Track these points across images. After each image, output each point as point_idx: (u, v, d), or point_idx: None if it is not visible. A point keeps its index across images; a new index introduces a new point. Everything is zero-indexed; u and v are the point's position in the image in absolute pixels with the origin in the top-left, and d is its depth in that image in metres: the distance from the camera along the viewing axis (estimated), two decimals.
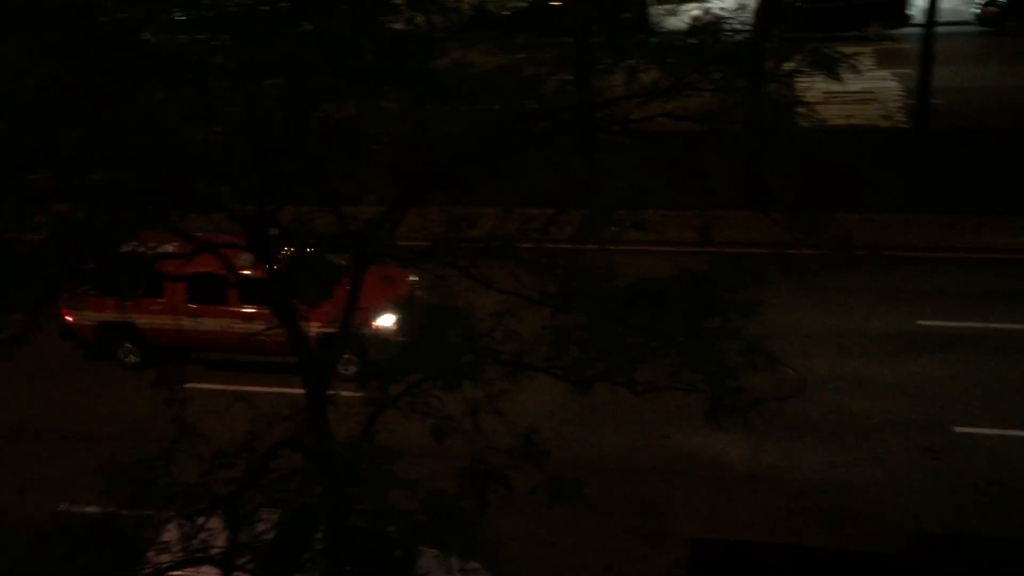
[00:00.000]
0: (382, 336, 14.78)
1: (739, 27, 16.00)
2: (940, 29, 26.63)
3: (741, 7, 19.14)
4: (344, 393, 8.66)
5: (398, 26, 9.47)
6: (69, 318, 16.42)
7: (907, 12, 30.74)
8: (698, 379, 10.32)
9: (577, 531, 11.76)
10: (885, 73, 27.79)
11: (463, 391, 8.56)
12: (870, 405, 14.02)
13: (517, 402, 13.28)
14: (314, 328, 14.59)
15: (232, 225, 8.35)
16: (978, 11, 31.83)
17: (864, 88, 26.73)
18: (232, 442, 7.97)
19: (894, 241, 18.16)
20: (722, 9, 22.95)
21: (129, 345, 16.52)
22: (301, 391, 8.50)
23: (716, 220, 13.29)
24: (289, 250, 14.31)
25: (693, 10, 25.38)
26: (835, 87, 25.63)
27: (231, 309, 15.82)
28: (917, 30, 25.48)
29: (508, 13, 24.33)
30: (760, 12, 19.55)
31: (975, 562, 9.40)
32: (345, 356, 14.64)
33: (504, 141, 9.06)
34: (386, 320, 15.05)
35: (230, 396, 9.69)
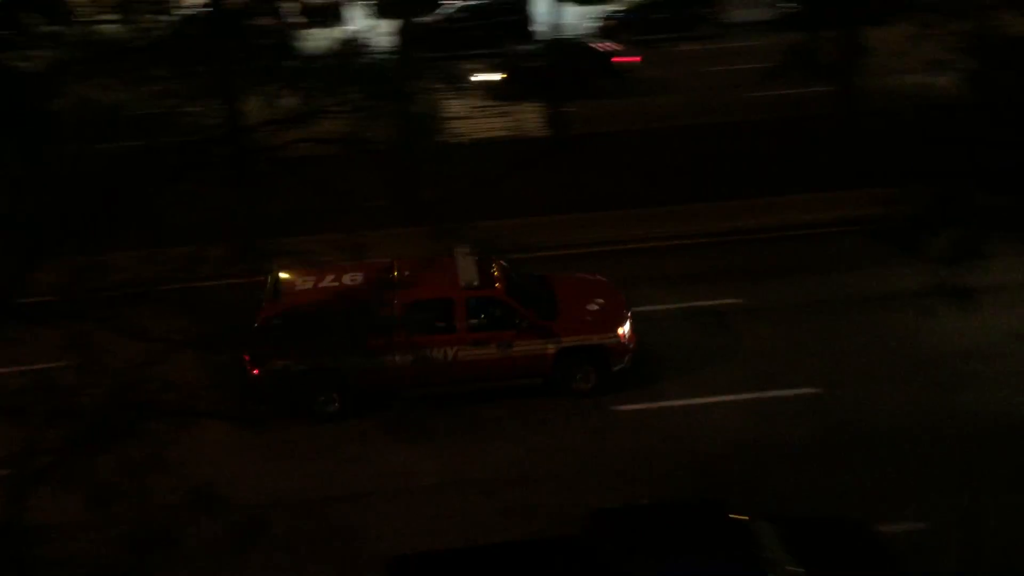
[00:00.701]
0: (625, 344, 14.74)
1: (378, 49, 16.33)
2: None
3: (371, 28, 19.46)
4: None
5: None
6: (254, 371, 13.47)
7: (531, 29, 33.03)
8: (378, 398, 10.36)
9: (271, 572, 11.36)
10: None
11: (125, 450, 7.98)
12: (538, 400, 14.74)
13: (192, 450, 12.61)
14: (551, 346, 14.36)
15: None
16: (600, 24, 34.94)
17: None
18: None
19: (548, 241, 19.37)
20: (363, 31, 23.30)
21: (330, 392, 14.21)
22: None
23: (371, 239, 13.49)
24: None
25: (337, 33, 25.58)
26: (481, 101, 27.00)
27: (458, 336, 14.20)
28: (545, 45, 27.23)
29: (146, 44, 23.19)
30: (402, 33, 20.08)
31: (646, 528, 10.23)
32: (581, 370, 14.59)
33: (140, 179, 8.57)
34: (624, 328, 14.80)
35: None
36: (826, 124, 23.47)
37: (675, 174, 22.33)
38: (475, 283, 14.22)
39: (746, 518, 10.23)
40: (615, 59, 28.81)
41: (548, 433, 14.01)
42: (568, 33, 28.54)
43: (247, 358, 13.50)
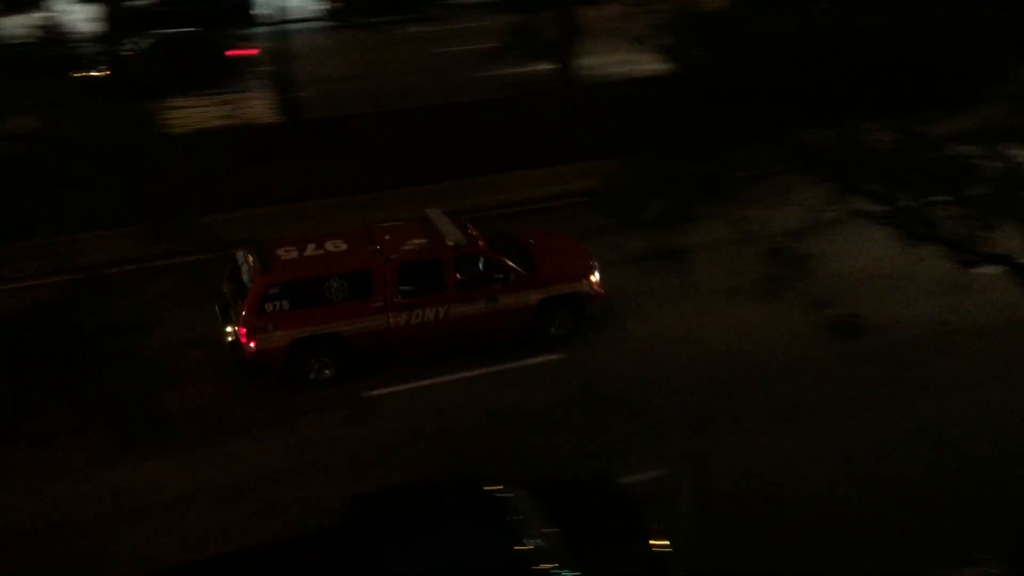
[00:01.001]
0: (598, 290, 15.57)
1: (80, 36, 15.15)
2: (294, 26, 28.16)
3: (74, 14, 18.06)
4: None
5: None
6: (251, 344, 13.83)
7: (252, 13, 31.98)
8: (100, 412, 9.65)
9: None
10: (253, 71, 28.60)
11: None
12: (284, 394, 14.38)
13: None
14: (534, 296, 14.97)
15: None
16: (327, 7, 34.33)
17: (237, 88, 27.29)
18: None
19: (279, 232, 18.77)
20: (64, 17, 21.56)
21: (325, 359, 14.35)
22: None
23: (85, 242, 12.50)
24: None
25: (34, 20, 23.50)
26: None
27: (449, 294, 14.58)
28: (269, 29, 26.51)
29: None
30: (108, 19, 18.76)
31: (402, 510, 10.24)
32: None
33: None
34: (596, 275, 15.56)
35: None
36: (550, 101, 24.40)
37: (408, 156, 22.39)
38: (463, 242, 14.58)
39: (501, 487, 10.48)
40: (230, 52, 27.83)
41: (298, 427, 13.70)
42: (184, 27, 27.50)
43: (243, 331, 13.81)
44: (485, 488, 10.36)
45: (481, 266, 14.79)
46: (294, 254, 14.45)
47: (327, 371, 14.44)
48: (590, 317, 15.75)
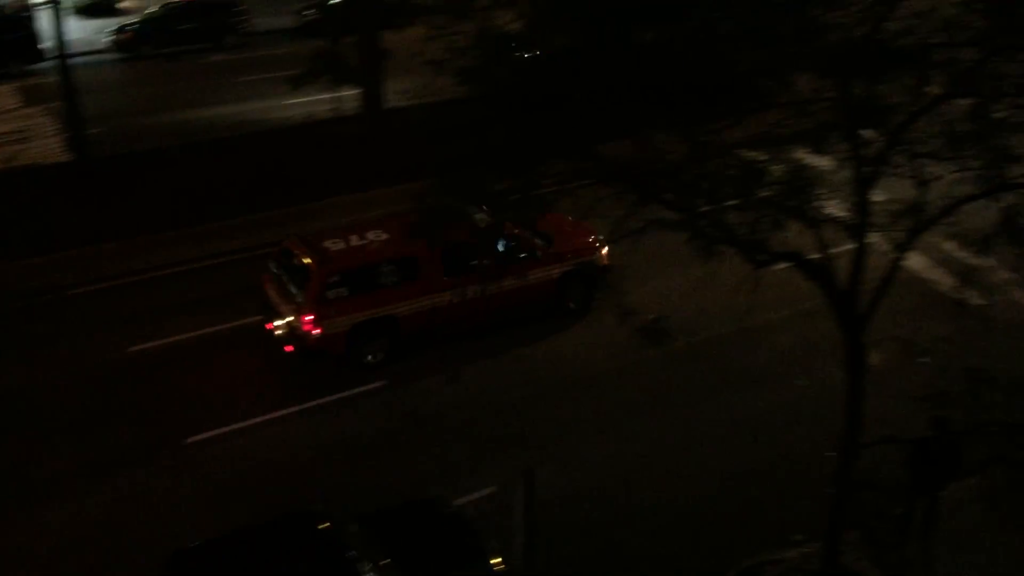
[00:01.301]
0: (608, 264, 16.47)
1: None
2: (80, 60, 26.72)
3: None
4: None
5: None
6: (316, 331, 14.57)
7: (40, 47, 30.20)
8: None
9: None
10: (36, 110, 26.98)
11: None
12: (106, 446, 13.58)
13: None
14: (556, 270, 16.02)
15: None
16: (113, 39, 32.77)
17: (18, 128, 25.72)
18: None
19: (78, 277, 17.85)
20: None
21: (381, 342, 15.18)
22: None
23: None
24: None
25: None
26: None
27: (484, 273, 14.81)
28: (57, 63, 25.03)
29: None
30: None
31: (229, 558, 9.81)
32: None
33: None
34: (605, 249, 16.39)
35: None
36: (360, 126, 24.18)
37: (216, 190, 21.56)
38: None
39: (329, 524, 10.21)
40: None
41: (117, 482, 12.93)
42: None
43: (309, 319, 14.44)
44: (316, 526, 10.07)
45: (509, 245, 15.49)
46: (342, 244, 15.21)
47: (381, 353, 15.21)
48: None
